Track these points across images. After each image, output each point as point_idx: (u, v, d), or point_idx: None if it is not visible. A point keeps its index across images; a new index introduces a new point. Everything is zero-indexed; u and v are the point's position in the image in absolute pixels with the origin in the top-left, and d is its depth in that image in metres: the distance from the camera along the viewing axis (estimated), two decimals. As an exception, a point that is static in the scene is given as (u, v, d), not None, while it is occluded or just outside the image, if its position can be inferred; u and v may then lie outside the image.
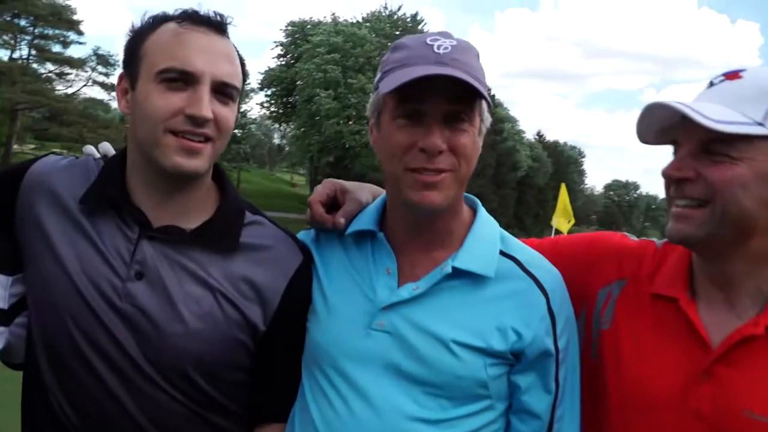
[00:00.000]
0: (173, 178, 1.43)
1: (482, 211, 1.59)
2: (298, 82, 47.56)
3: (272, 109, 54.92)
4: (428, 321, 1.44)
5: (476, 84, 1.36)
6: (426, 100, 1.38)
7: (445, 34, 1.44)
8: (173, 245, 1.46)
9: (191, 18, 1.42)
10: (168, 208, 1.47)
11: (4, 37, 43.36)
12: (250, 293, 1.50)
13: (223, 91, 1.42)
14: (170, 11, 1.47)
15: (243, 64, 1.51)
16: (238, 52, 1.49)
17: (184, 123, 1.38)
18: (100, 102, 49.58)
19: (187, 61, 1.37)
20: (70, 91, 46.87)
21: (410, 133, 1.39)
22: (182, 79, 1.38)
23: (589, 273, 1.64)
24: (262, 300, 1.51)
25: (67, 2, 45.84)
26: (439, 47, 1.39)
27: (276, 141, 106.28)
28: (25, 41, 45.09)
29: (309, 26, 54.13)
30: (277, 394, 1.56)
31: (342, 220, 1.56)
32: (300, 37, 52.66)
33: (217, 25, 1.44)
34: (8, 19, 43.30)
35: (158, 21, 1.45)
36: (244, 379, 1.53)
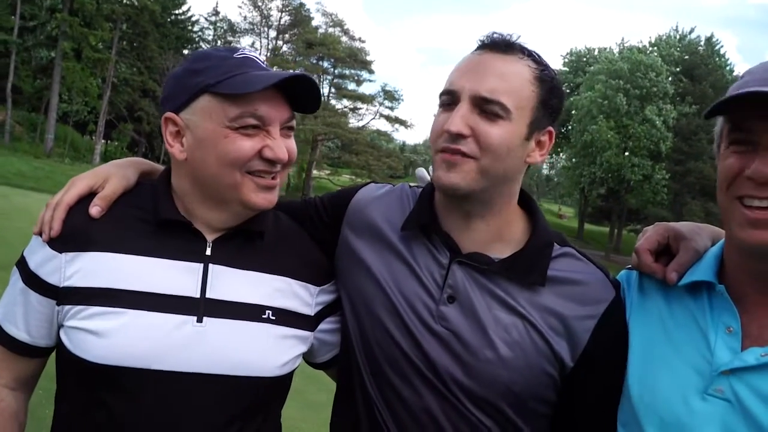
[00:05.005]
0: (450, 198, 1.47)
1: None
2: (572, 112, 46.27)
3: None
4: None
5: None
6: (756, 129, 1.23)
7: None
8: (482, 272, 1.47)
9: (481, 45, 1.47)
10: (473, 235, 1.49)
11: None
12: (559, 326, 1.45)
13: (487, 109, 1.39)
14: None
15: (543, 83, 1.44)
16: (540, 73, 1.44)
17: (448, 141, 1.40)
18: (384, 133, 54.25)
19: (453, 81, 1.43)
20: (360, 123, 52.14)
21: (739, 159, 1.25)
22: (450, 102, 1.42)
23: None
24: (570, 335, 1.45)
25: (362, 45, 51.27)
26: None
27: (545, 171, 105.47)
28: (327, 80, 51.59)
29: (586, 57, 52.62)
30: None
31: (674, 276, 1.41)
32: (579, 67, 51.41)
33: (499, 46, 1.44)
34: (314, 62, 49.96)
35: None
36: (549, 413, 1.50)
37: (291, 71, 1.40)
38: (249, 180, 1.39)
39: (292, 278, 1.54)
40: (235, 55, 1.41)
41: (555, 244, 1.53)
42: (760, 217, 1.22)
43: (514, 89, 1.39)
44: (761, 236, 1.22)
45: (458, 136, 1.37)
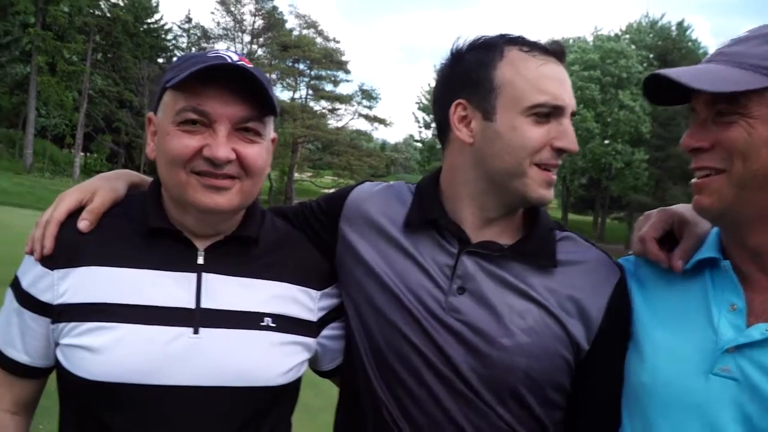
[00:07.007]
0: (523, 206, 1.48)
1: None
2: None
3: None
4: None
5: None
6: None
7: None
8: (492, 260, 1.45)
9: (538, 47, 1.43)
10: (490, 230, 1.49)
11: (287, 80, 49.89)
12: (573, 309, 1.43)
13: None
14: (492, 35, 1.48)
15: None
16: None
17: (551, 157, 1.41)
18: (364, 133, 54.25)
19: (558, 96, 1.40)
20: (339, 124, 52.05)
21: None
22: (551, 113, 1.39)
23: None
24: (584, 317, 1.43)
25: (337, 46, 51.22)
26: None
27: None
28: (304, 82, 51.57)
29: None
30: (595, 429, 1.48)
31: (680, 263, 1.39)
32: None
33: (563, 55, 1.45)
34: (290, 64, 49.82)
35: (496, 48, 1.44)
36: (563, 404, 1.47)
37: (229, 61, 1.33)
38: (194, 179, 1.33)
39: (291, 283, 1.49)
40: (208, 54, 1.36)
41: (555, 230, 1.54)
42: (698, 184, 1.30)
43: None
44: (697, 202, 1.30)
45: (572, 154, 1.43)
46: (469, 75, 1.45)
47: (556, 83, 1.40)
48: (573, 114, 1.43)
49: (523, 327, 1.40)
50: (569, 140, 1.40)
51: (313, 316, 1.52)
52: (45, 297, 1.37)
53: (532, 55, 1.42)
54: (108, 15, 43.75)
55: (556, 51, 1.44)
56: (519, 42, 1.44)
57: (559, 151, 1.41)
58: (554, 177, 1.43)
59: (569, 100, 1.41)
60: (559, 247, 1.49)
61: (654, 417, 1.33)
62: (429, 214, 1.50)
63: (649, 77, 1.32)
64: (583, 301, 1.43)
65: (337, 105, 51.94)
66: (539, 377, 1.40)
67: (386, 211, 1.58)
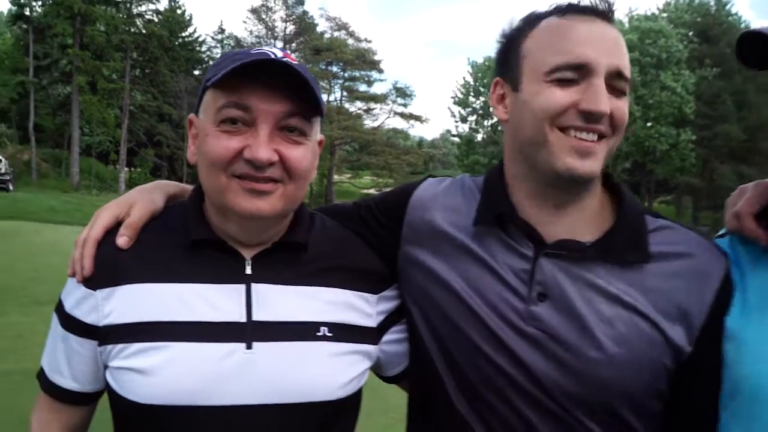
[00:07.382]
0: (563, 184, 1.29)
1: None
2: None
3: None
4: None
5: None
6: None
7: None
8: (575, 261, 1.29)
9: (573, 8, 1.28)
10: (562, 222, 1.32)
11: (322, 84, 50.18)
12: (671, 309, 1.26)
13: (617, 85, 1.25)
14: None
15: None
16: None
17: (576, 119, 1.23)
18: (401, 131, 54.37)
19: (580, 54, 1.23)
20: (375, 124, 52.26)
21: None
22: (578, 76, 1.23)
23: None
24: (685, 317, 1.26)
25: (368, 46, 51.44)
26: None
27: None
28: (338, 85, 51.97)
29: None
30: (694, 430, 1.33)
31: None
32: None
33: (603, 12, 1.28)
34: (323, 67, 50.22)
35: (534, 19, 1.33)
36: (661, 410, 1.31)
37: (272, 56, 1.24)
38: (235, 183, 1.24)
39: (346, 289, 1.40)
40: (250, 51, 1.27)
41: (647, 216, 1.37)
42: None
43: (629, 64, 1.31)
44: None
45: (601, 117, 1.22)
46: (504, 52, 1.37)
47: (581, 41, 1.23)
48: (620, 74, 1.25)
49: (613, 336, 1.25)
50: (594, 100, 1.20)
51: (372, 322, 1.43)
52: (90, 319, 1.31)
53: (566, 18, 1.28)
54: (143, 31, 44.85)
55: (595, 9, 1.27)
56: (559, 10, 1.30)
57: (588, 115, 1.22)
58: (587, 144, 1.23)
59: (597, 58, 1.22)
60: (653, 238, 1.31)
61: (760, 415, 1.19)
62: (497, 209, 1.36)
63: (743, 36, 1.19)
64: (683, 300, 1.27)
65: (372, 105, 52.19)
66: (635, 389, 1.26)
67: (452, 212, 1.45)
